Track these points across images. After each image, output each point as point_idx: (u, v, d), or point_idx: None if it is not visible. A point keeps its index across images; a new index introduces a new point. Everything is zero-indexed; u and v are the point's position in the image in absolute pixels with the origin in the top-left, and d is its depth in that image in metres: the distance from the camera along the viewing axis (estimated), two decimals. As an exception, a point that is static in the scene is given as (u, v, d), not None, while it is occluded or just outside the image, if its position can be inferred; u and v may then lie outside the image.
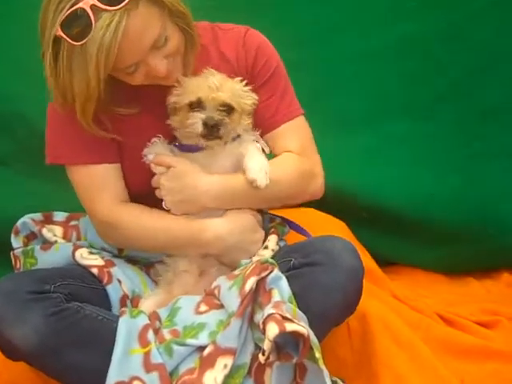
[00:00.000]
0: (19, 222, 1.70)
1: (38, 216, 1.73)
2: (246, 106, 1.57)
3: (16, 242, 1.69)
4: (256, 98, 1.58)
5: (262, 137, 1.62)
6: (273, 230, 1.65)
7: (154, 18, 1.37)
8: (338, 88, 2.24)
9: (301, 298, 1.38)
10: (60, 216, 1.75)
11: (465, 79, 2.26)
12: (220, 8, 2.02)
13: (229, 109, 1.52)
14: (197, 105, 1.50)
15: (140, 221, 1.55)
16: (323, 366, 1.28)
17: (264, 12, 2.15)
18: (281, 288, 1.37)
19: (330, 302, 1.39)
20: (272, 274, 1.38)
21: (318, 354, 1.28)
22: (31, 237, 1.70)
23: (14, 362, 1.44)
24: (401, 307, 1.92)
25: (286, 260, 1.47)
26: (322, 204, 2.08)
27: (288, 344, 1.30)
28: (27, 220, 1.70)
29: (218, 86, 1.49)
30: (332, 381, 1.43)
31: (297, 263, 1.46)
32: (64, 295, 1.40)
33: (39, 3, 1.36)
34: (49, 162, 1.58)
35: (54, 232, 1.69)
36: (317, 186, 1.64)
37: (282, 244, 1.64)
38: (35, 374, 1.52)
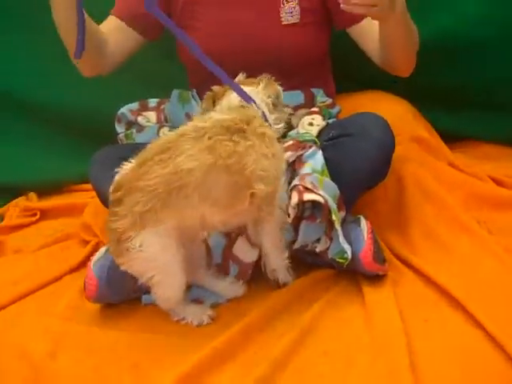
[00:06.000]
0: (119, 112, 1.95)
1: (135, 105, 1.96)
2: None
3: (120, 128, 1.96)
4: None
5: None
6: (318, 109, 1.83)
7: None
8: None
9: (334, 163, 1.60)
10: (153, 102, 1.99)
11: None
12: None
13: None
14: None
15: None
16: (338, 227, 1.53)
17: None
18: (316, 160, 1.60)
19: (358, 168, 1.62)
20: (310, 150, 1.62)
21: (334, 217, 1.52)
22: (130, 124, 1.96)
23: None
24: (446, 170, 1.99)
25: (327, 132, 1.73)
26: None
27: (315, 208, 1.57)
28: (125, 111, 1.95)
29: None
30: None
31: (335, 134, 1.67)
32: None
33: None
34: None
35: (148, 118, 1.95)
36: None
37: (331, 121, 1.82)
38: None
